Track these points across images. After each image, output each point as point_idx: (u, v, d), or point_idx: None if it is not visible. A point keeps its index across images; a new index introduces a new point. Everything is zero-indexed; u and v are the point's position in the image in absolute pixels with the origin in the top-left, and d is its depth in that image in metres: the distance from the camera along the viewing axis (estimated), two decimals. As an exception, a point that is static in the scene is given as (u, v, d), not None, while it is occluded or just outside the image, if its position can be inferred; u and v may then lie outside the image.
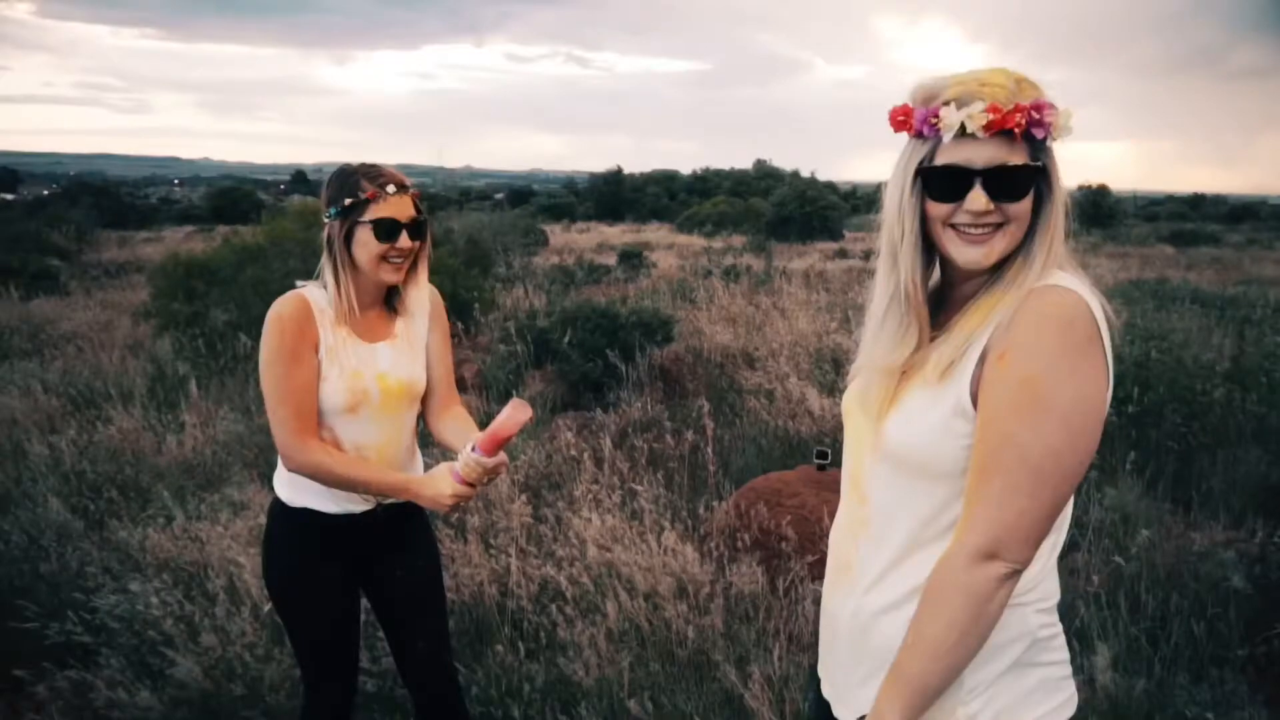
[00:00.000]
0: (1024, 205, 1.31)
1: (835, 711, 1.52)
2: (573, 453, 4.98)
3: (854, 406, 1.50)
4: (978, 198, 1.29)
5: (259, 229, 9.30)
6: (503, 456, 2.08)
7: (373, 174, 2.14)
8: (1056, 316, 1.25)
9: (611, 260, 17.32)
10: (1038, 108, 1.27)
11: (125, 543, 4.13)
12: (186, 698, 3.14)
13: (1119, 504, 4.41)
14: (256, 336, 2.23)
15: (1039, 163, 1.31)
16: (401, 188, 2.15)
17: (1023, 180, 1.30)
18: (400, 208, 2.14)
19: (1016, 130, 1.27)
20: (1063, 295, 1.27)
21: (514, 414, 2.02)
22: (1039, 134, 1.29)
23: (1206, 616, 3.45)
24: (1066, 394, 1.24)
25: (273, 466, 2.32)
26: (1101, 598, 3.52)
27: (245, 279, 8.35)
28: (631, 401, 6.50)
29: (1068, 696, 1.41)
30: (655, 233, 29.78)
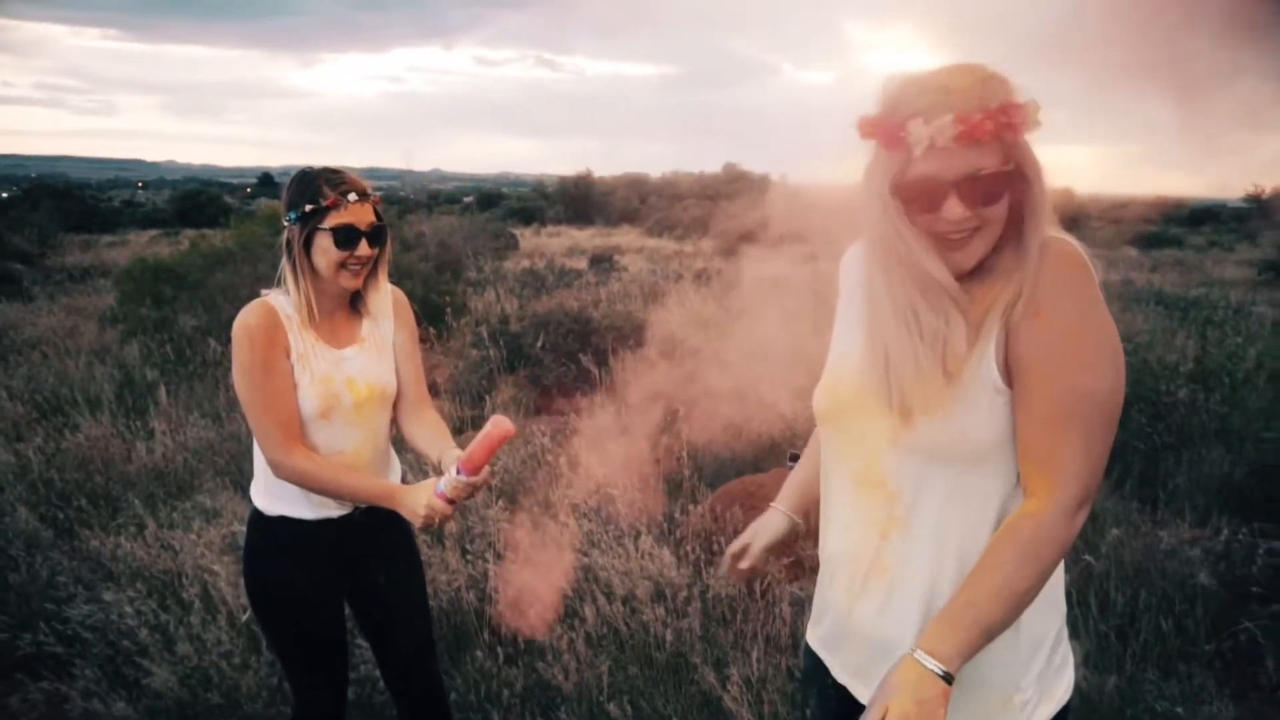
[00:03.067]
0: (1000, 207, 1.31)
1: None
2: (548, 458, 4.98)
3: (850, 403, 1.48)
4: (954, 207, 1.29)
5: (227, 233, 9.20)
6: (486, 472, 2.08)
7: (334, 180, 2.12)
8: (1073, 263, 1.31)
9: (582, 264, 17.33)
10: (1005, 111, 1.26)
11: (97, 552, 4.09)
12: (163, 708, 3.12)
13: (1088, 503, 4.47)
14: (226, 341, 2.22)
15: (1010, 166, 1.29)
16: (363, 194, 2.13)
17: (996, 186, 1.30)
18: (360, 214, 2.13)
19: (986, 139, 1.26)
20: (1066, 245, 1.32)
21: (495, 431, 2.01)
22: (1009, 137, 1.27)
23: (1174, 613, 3.51)
24: (1104, 331, 1.30)
25: (246, 474, 2.32)
26: (1072, 596, 3.58)
27: (214, 284, 8.27)
28: (605, 405, 6.50)
29: (1071, 672, 1.49)
30: (625, 236, 29.78)
